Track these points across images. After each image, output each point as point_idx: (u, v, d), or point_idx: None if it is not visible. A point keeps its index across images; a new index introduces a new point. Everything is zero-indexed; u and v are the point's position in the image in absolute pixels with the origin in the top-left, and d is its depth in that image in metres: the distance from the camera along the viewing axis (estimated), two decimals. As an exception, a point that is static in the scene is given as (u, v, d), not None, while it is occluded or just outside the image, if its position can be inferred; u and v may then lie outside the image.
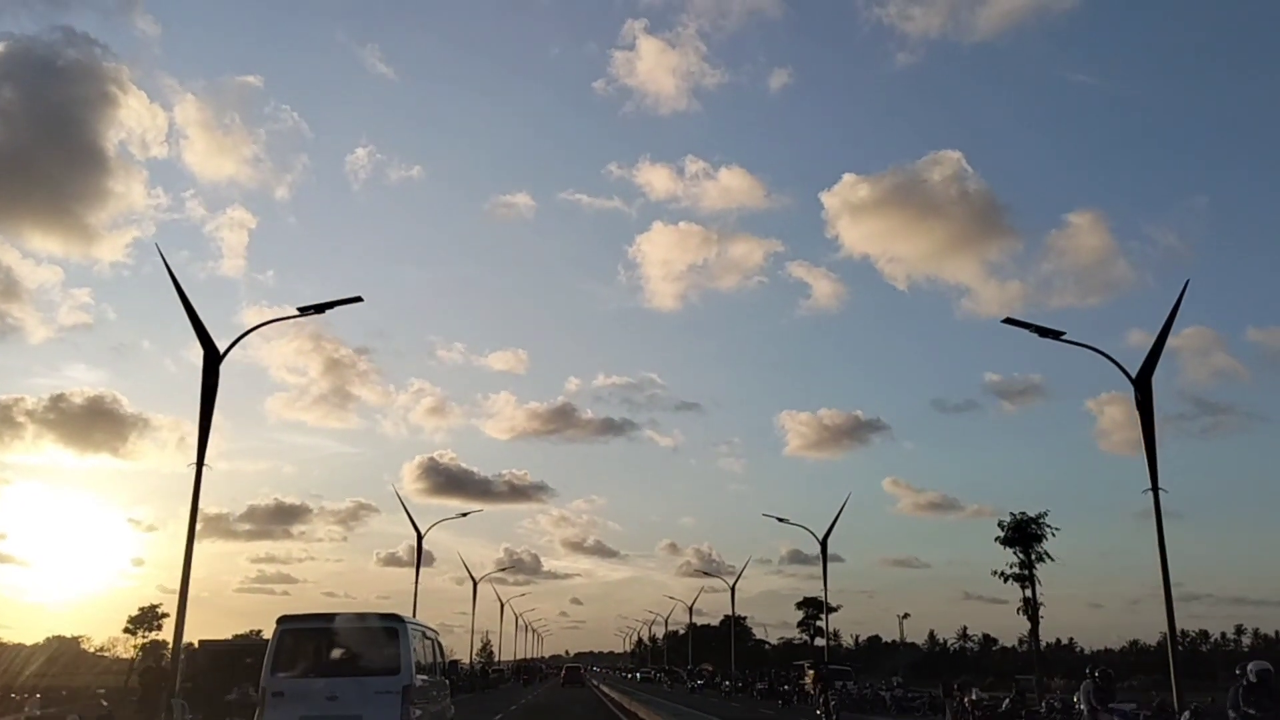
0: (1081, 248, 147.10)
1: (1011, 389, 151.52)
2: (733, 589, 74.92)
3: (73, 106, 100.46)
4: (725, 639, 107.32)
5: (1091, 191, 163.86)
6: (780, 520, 48.15)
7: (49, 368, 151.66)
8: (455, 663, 44.45)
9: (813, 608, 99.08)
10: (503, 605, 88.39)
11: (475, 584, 60.18)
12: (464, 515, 51.41)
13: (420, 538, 40.06)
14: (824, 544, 44.83)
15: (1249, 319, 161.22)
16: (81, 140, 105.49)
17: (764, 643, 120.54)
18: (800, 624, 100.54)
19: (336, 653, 11.67)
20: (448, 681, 14.07)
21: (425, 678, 12.01)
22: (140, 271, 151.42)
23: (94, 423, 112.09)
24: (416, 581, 40.10)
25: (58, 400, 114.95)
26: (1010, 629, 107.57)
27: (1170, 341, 21.83)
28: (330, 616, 11.99)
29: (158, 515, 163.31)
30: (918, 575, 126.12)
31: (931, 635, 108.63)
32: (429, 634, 12.90)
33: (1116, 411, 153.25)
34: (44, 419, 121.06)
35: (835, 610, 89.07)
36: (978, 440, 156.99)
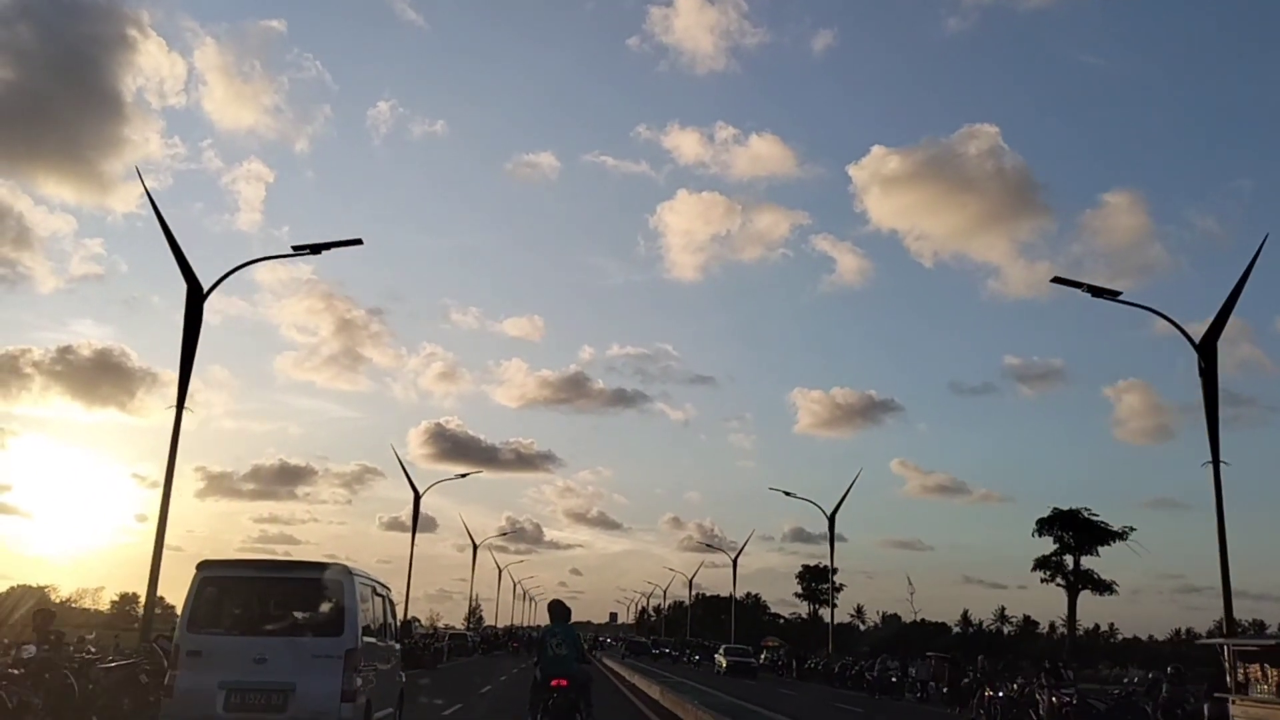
0: (1116, 228, 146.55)
1: (1031, 373, 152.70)
2: (831, 517, 50.37)
3: (90, 49, 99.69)
4: (738, 610, 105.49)
5: (1132, 171, 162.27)
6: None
7: (56, 320, 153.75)
8: (409, 624, 43.15)
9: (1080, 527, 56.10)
10: (475, 547, 75.80)
11: (418, 496, 46.20)
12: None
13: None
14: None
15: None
16: (98, 85, 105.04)
17: (779, 616, 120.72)
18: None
19: (268, 608, 10.47)
20: (398, 646, 12.92)
21: (373, 640, 10.80)
22: (154, 223, 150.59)
23: (101, 376, 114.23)
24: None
25: (65, 352, 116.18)
26: (1012, 614, 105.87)
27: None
28: (262, 564, 10.80)
29: (162, 472, 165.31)
30: (919, 558, 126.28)
31: (965, 616, 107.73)
32: (380, 590, 11.66)
33: (1134, 399, 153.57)
34: (51, 371, 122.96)
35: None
36: (992, 424, 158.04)
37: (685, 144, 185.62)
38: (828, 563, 61.39)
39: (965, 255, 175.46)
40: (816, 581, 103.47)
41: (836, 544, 50.71)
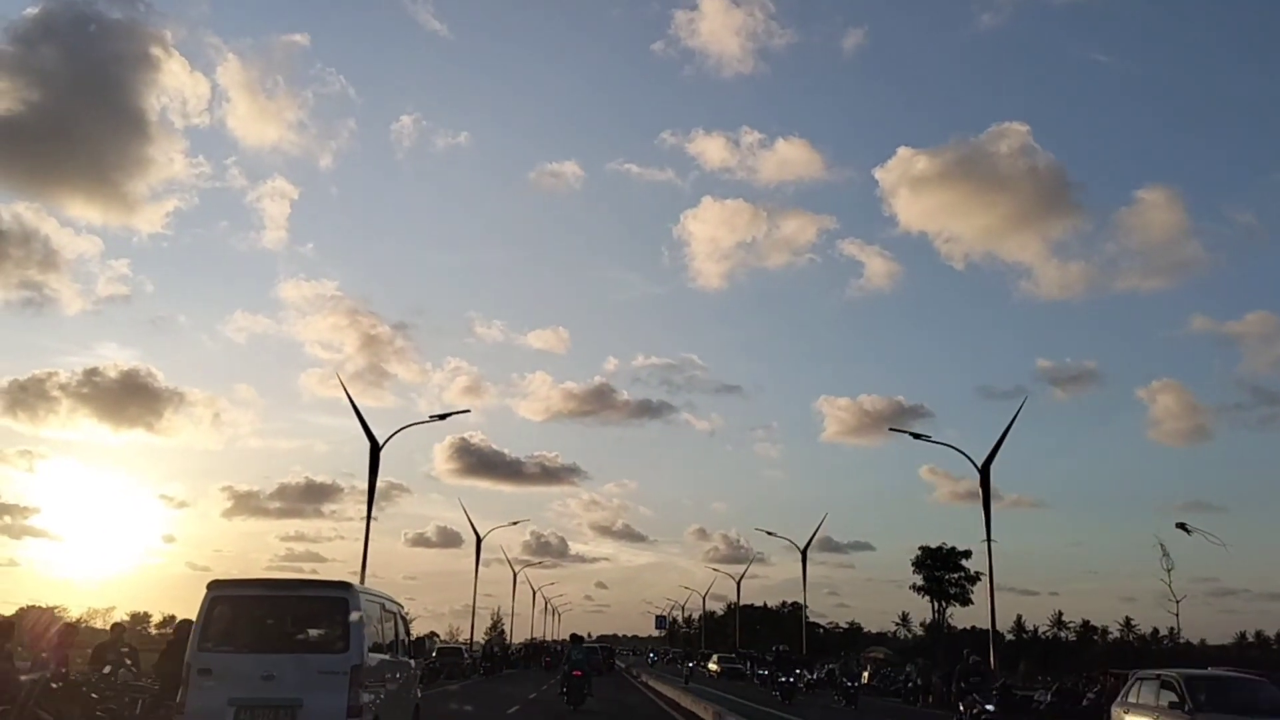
0: (1151, 225, 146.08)
1: (1063, 375, 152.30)
2: (984, 468, 36.69)
3: (114, 70, 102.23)
4: (776, 620, 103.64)
5: (1166, 166, 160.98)
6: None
7: (82, 343, 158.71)
8: (423, 640, 43.00)
9: None
10: (479, 539, 66.42)
11: (376, 449, 30.44)
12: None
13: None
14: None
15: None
16: (122, 106, 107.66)
17: (818, 626, 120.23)
18: None
19: (276, 625, 10.92)
20: (413, 663, 13.35)
21: (382, 657, 11.24)
22: (179, 243, 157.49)
23: (128, 398, 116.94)
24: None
25: (91, 374, 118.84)
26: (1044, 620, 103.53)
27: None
28: (269, 583, 11.27)
29: (189, 492, 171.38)
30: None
31: (1019, 621, 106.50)
32: (390, 607, 12.10)
33: (1169, 400, 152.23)
34: (78, 394, 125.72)
35: None
36: (1023, 427, 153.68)
37: (710, 149, 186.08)
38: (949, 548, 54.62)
39: (996, 256, 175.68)
40: (943, 568, 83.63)
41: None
